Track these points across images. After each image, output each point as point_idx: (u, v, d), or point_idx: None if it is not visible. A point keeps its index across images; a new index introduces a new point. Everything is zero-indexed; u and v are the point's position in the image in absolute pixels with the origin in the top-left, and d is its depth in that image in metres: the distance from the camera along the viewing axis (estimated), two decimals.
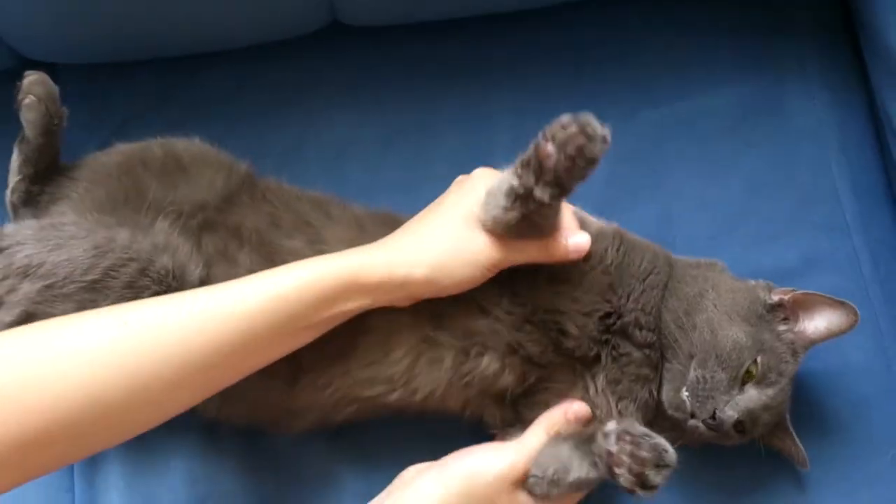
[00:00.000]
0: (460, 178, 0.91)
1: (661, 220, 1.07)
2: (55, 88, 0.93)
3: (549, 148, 0.77)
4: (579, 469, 0.82)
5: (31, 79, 0.91)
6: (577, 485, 0.83)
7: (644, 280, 0.91)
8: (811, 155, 1.10)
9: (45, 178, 0.94)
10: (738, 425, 0.90)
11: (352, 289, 0.81)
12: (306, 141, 1.10)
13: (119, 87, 1.12)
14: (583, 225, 0.91)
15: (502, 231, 0.83)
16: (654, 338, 0.91)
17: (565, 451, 0.83)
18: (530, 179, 0.79)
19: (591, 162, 0.77)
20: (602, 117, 1.05)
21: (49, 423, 0.71)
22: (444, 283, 0.83)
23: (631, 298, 0.90)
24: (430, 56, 1.13)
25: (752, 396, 0.88)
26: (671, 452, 0.77)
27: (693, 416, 0.88)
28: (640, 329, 0.90)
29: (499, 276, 0.86)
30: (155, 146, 0.96)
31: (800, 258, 1.06)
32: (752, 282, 0.94)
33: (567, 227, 0.88)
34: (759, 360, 0.88)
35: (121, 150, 0.96)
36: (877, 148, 1.12)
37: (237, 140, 1.06)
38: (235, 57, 1.12)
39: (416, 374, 0.88)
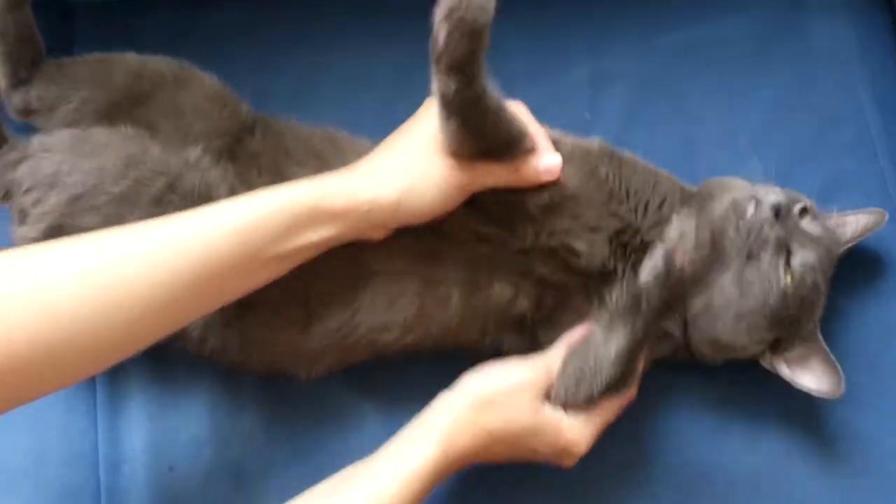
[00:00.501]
0: (430, 98, 0.86)
1: (682, 146, 1.05)
2: None
3: (436, 29, 0.73)
4: (605, 344, 0.80)
5: None
6: (606, 373, 0.81)
7: (653, 190, 0.89)
8: (834, 76, 1.08)
9: (28, 63, 0.91)
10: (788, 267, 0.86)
11: (317, 215, 0.79)
12: (318, 75, 1.09)
13: (130, 26, 1.10)
14: (558, 145, 0.87)
15: (461, 149, 0.80)
16: None
17: (595, 344, 0.82)
18: (439, 75, 0.75)
19: (476, 32, 0.72)
20: (618, 43, 1.09)
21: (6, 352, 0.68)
22: (411, 207, 0.81)
23: (650, 211, 0.88)
24: None
25: (809, 224, 0.88)
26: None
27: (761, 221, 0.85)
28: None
29: (491, 213, 0.85)
30: (163, 64, 0.93)
31: (826, 180, 1.04)
32: None
33: (538, 149, 0.85)
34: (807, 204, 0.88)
35: (121, 61, 0.93)
36: None
37: (247, 76, 1.05)
38: None
39: (427, 315, 0.87)
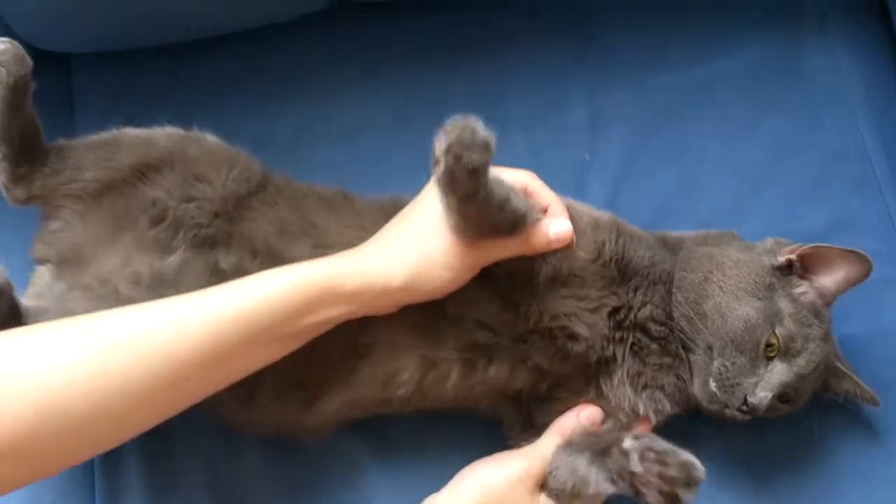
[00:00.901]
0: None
1: (682, 187, 1.04)
2: (23, 56, 0.86)
3: (437, 152, 0.74)
4: (597, 484, 0.79)
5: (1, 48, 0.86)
6: (597, 496, 0.81)
7: (648, 273, 0.88)
8: (836, 113, 1.06)
9: (30, 157, 0.89)
10: (783, 397, 0.86)
11: (329, 297, 0.79)
12: (316, 124, 1.08)
13: (128, 76, 1.10)
14: (574, 215, 0.87)
15: (465, 235, 0.80)
16: (668, 331, 0.88)
17: (582, 464, 0.81)
18: (441, 193, 0.78)
19: (474, 171, 0.74)
20: (615, 85, 1.08)
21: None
22: (423, 288, 0.81)
23: (639, 292, 0.88)
24: (440, 32, 1.10)
25: (781, 371, 0.85)
26: (700, 469, 0.74)
27: (727, 406, 0.85)
28: (654, 322, 0.88)
29: (497, 285, 0.85)
30: (161, 138, 0.91)
31: (830, 220, 1.03)
32: (760, 245, 0.91)
33: (548, 215, 0.85)
34: (777, 332, 0.85)
35: (125, 142, 0.91)
36: None
37: (246, 125, 1.06)
38: (242, 41, 1.10)
39: (426, 390, 0.87)
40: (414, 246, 0.82)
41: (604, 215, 0.91)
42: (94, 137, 0.92)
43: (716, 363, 0.85)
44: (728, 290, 0.86)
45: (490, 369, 0.86)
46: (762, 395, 0.84)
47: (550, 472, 0.83)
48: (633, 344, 0.87)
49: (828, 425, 0.94)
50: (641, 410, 0.87)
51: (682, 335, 0.87)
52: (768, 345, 0.85)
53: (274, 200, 0.91)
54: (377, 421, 0.94)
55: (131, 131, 0.92)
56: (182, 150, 0.90)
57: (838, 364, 0.91)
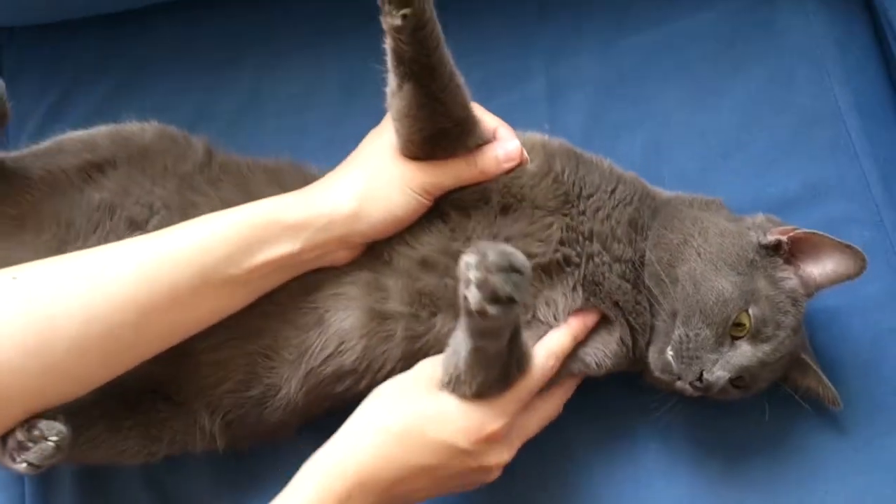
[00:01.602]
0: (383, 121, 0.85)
1: (647, 152, 0.99)
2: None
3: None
4: (465, 342, 0.73)
5: None
6: (477, 362, 0.74)
7: (607, 197, 0.84)
8: (808, 75, 1.02)
9: None
10: (738, 381, 0.82)
11: (273, 229, 0.76)
12: (262, 95, 1.05)
13: (67, 47, 1.06)
14: (523, 140, 0.84)
15: (414, 134, 0.78)
16: (634, 274, 0.84)
17: (458, 335, 0.76)
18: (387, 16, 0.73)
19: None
20: (575, 51, 1.04)
21: None
22: (373, 216, 0.78)
23: (600, 211, 0.83)
24: None
25: (744, 353, 0.81)
26: (521, 258, 0.66)
27: (680, 377, 0.81)
28: (618, 242, 0.83)
29: (448, 221, 0.82)
30: (102, 139, 0.88)
31: (804, 185, 0.98)
32: (750, 219, 0.86)
33: (497, 139, 0.82)
34: (750, 312, 0.80)
35: (67, 147, 0.87)
36: (881, 64, 1.04)
37: (189, 97, 1.03)
38: (185, 9, 1.06)
39: (374, 355, 0.82)
40: (363, 174, 0.80)
41: (555, 140, 0.88)
42: (36, 148, 0.88)
43: (678, 332, 0.81)
44: (706, 257, 0.82)
45: (435, 321, 0.82)
46: (719, 373, 0.80)
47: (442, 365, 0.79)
48: (590, 257, 0.83)
49: (784, 410, 0.89)
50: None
51: (648, 296, 0.83)
52: (738, 324, 0.81)
53: (219, 178, 0.88)
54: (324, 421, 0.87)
55: (73, 135, 0.89)
56: (123, 147, 0.87)
57: (804, 357, 0.86)
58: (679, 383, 0.81)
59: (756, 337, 0.81)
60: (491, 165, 0.81)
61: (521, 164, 0.82)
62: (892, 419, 0.91)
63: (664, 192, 0.89)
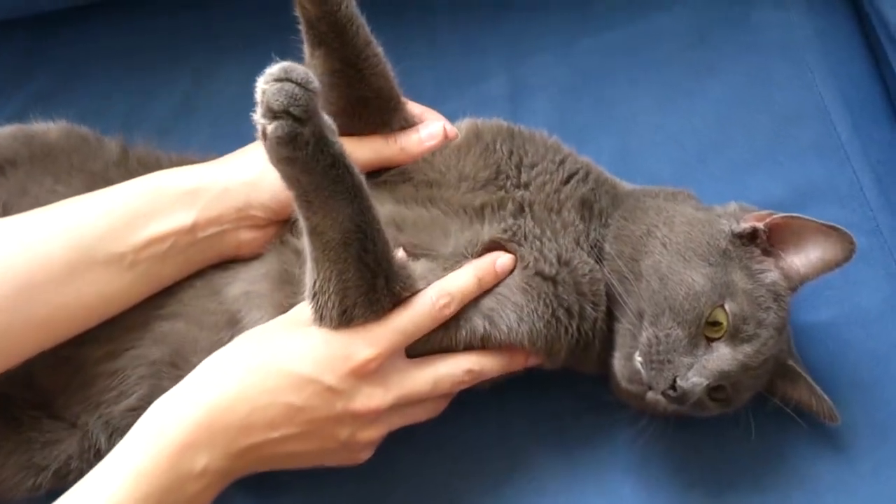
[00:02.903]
0: None
1: (616, 157, 0.92)
2: None
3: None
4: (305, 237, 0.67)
5: None
6: (323, 255, 0.66)
7: (559, 168, 0.78)
8: (788, 70, 0.96)
9: None
10: (717, 392, 0.73)
11: (163, 197, 0.71)
12: (197, 99, 1.00)
13: None
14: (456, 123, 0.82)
15: (336, 121, 0.72)
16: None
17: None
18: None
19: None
20: (538, 49, 0.97)
21: None
22: (276, 183, 0.69)
23: (548, 186, 0.76)
24: None
25: (723, 356, 0.71)
26: (302, 70, 0.62)
27: (651, 387, 0.71)
28: (567, 216, 0.76)
29: None
30: (3, 138, 0.83)
31: (790, 189, 0.91)
32: (720, 208, 0.78)
33: (419, 122, 0.80)
34: (726, 307, 0.71)
35: None
36: (868, 57, 0.98)
37: (120, 101, 0.98)
38: (116, 9, 1.02)
39: None
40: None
41: (491, 119, 0.83)
42: None
43: (646, 333, 0.71)
44: (673, 248, 0.73)
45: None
46: (695, 380, 0.70)
47: None
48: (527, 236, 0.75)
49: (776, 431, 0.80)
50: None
51: (612, 294, 0.74)
52: (714, 323, 0.71)
53: (136, 171, 0.82)
54: None
55: None
56: (26, 146, 0.82)
57: (792, 364, 0.77)
58: (650, 394, 0.72)
59: (735, 337, 0.72)
60: (412, 144, 0.78)
61: (446, 140, 0.78)
62: (892, 449, 0.81)
63: (626, 184, 0.82)
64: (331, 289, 0.66)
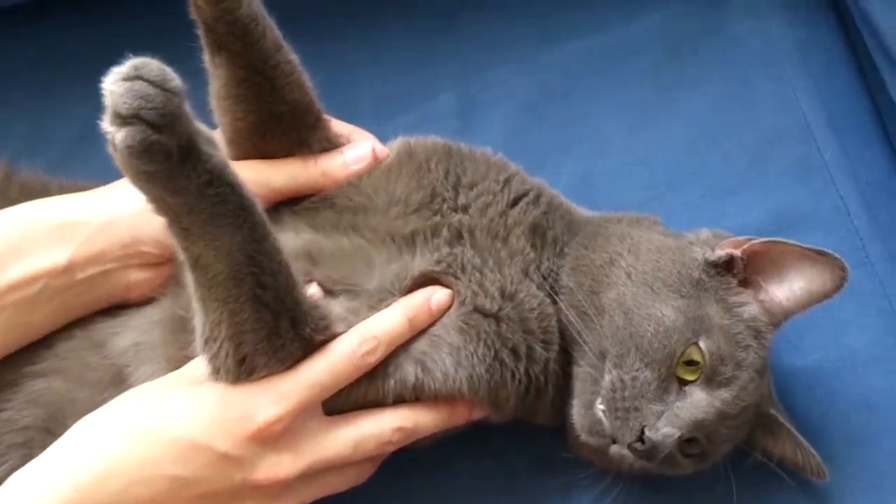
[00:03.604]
0: None
1: (577, 183, 0.86)
2: None
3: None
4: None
5: None
6: (205, 288, 0.58)
7: (504, 188, 0.70)
8: (768, 86, 0.90)
9: None
10: (690, 446, 0.64)
11: (39, 230, 0.63)
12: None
13: None
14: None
15: (247, 141, 0.69)
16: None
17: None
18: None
19: None
20: (492, 63, 0.90)
21: None
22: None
23: (491, 209, 0.69)
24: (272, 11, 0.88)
25: (698, 402, 0.63)
26: (156, 66, 0.53)
27: (615, 440, 0.63)
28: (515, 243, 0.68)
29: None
30: None
31: (769, 215, 0.85)
32: (692, 234, 0.71)
33: (345, 142, 0.73)
34: (701, 345, 0.63)
35: None
36: (854, 70, 0.92)
37: (17, 123, 0.90)
38: (10, 23, 0.94)
39: None
40: None
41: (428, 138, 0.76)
42: None
43: (609, 376, 0.63)
44: (639, 278, 0.66)
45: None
46: (666, 430, 0.62)
47: None
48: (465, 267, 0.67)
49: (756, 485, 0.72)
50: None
51: (570, 333, 0.66)
52: (688, 362, 0.63)
53: (17, 201, 0.73)
54: None
55: None
56: None
57: (774, 413, 0.69)
58: (614, 448, 0.63)
59: (711, 380, 0.63)
60: (336, 167, 0.70)
61: (376, 162, 0.72)
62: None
63: (583, 210, 0.75)
64: (223, 334, 0.57)
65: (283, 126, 0.68)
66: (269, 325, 0.58)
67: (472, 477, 0.72)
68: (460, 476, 0.72)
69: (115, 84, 0.52)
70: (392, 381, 0.62)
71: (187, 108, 0.54)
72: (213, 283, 0.57)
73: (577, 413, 0.65)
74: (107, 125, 0.52)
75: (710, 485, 0.70)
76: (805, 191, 0.85)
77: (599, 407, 0.63)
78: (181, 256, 0.58)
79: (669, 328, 0.62)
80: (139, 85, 0.51)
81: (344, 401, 0.61)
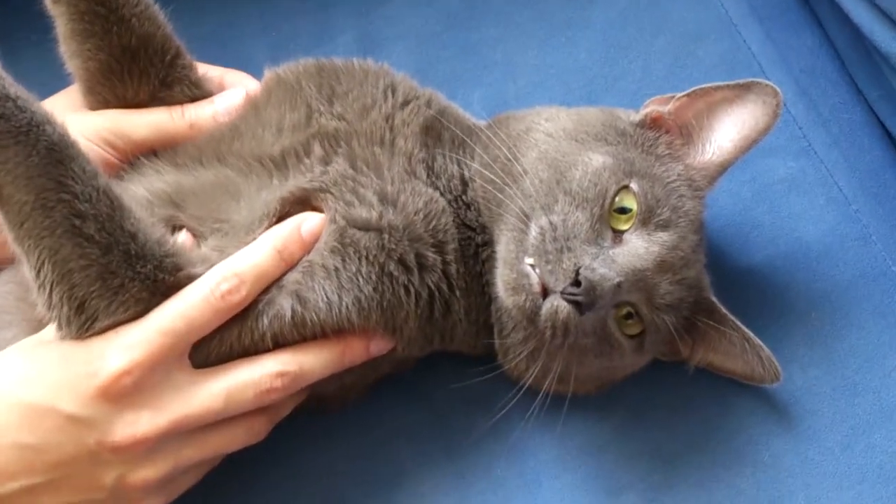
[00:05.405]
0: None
1: (492, 107, 0.76)
2: None
3: None
4: None
5: None
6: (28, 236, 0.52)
7: (386, 94, 0.65)
8: None
9: None
10: (629, 325, 0.58)
11: None
12: None
13: None
14: None
15: (103, 86, 0.64)
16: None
17: None
18: None
19: None
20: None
21: None
22: None
23: (373, 113, 0.62)
24: None
25: (635, 248, 0.57)
26: None
27: (546, 292, 0.55)
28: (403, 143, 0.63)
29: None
30: None
31: None
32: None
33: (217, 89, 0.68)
34: (633, 186, 0.57)
35: None
36: None
37: None
38: None
39: None
40: None
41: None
42: None
43: (536, 225, 0.56)
44: (560, 135, 0.61)
45: None
46: (603, 271, 0.55)
47: None
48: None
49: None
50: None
51: (486, 211, 0.61)
52: (620, 210, 0.57)
53: None
54: None
55: None
56: None
57: (713, 299, 0.63)
58: (546, 306, 0.56)
59: (647, 222, 0.58)
60: (205, 118, 0.65)
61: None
62: (863, 415, 0.67)
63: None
64: (50, 276, 0.52)
65: (139, 63, 0.63)
66: (98, 262, 0.52)
67: (404, 424, 0.66)
68: (386, 423, 0.66)
69: None
70: (265, 320, 0.55)
71: None
72: (23, 216, 0.51)
73: (500, 274, 0.58)
74: None
75: (663, 406, 0.65)
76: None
77: (527, 262, 0.56)
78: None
79: (599, 168, 0.57)
80: None
81: (217, 349, 0.55)
